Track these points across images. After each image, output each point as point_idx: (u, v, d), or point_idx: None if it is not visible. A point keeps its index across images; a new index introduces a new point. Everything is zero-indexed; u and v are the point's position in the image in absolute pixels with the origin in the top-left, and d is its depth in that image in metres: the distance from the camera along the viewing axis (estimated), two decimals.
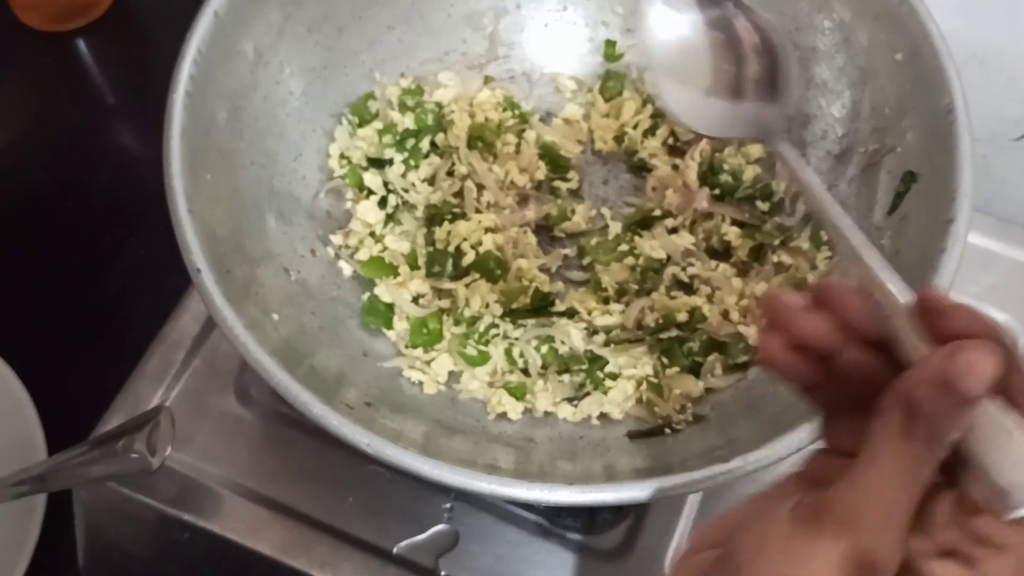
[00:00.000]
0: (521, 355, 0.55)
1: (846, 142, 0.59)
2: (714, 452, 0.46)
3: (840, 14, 0.58)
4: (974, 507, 0.29)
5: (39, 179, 0.77)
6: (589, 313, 0.57)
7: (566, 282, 0.59)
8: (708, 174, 0.61)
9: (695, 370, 0.55)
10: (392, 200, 0.60)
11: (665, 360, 0.55)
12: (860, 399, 0.32)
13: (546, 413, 0.54)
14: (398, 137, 0.61)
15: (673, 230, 0.60)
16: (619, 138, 0.63)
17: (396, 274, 0.58)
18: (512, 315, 0.56)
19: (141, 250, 0.72)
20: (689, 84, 0.45)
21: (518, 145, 0.62)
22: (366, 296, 0.57)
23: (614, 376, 0.55)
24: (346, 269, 0.58)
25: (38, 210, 0.75)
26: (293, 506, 0.54)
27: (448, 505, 0.55)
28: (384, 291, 0.57)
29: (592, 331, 0.56)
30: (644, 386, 0.54)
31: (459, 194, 0.60)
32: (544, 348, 0.56)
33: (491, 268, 0.57)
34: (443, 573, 0.53)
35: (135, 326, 0.63)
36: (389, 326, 0.56)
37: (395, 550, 0.53)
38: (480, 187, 0.60)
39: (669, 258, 0.59)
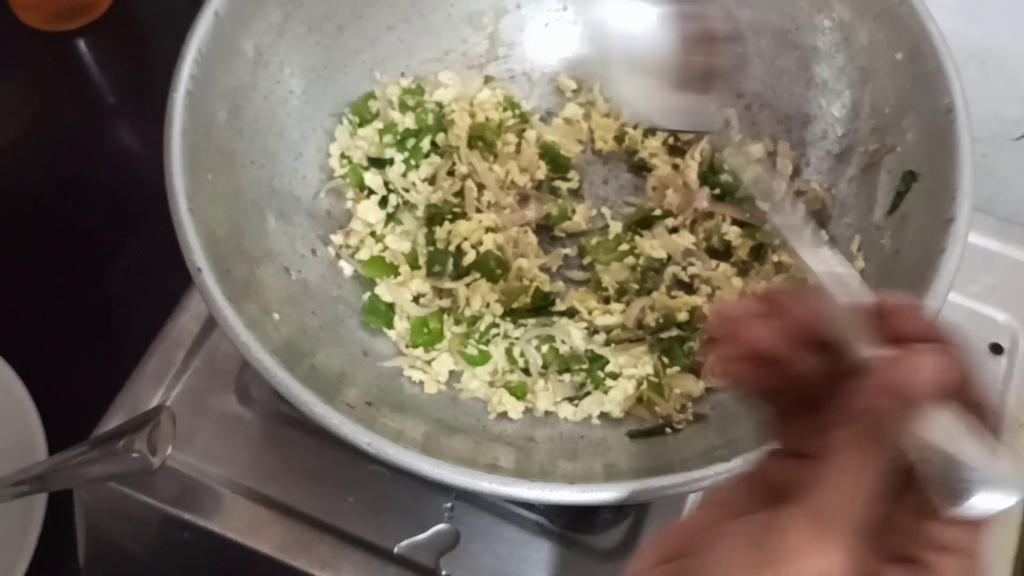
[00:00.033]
0: (522, 355, 0.55)
1: (846, 142, 0.59)
2: (714, 451, 0.46)
3: (840, 14, 0.58)
4: (928, 512, 0.29)
5: (39, 179, 0.77)
6: (590, 313, 0.57)
7: (566, 282, 0.59)
8: (708, 174, 0.61)
9: (696, 370, 0.55)
10: (393, 200, 0.60)
11: (666, 359, 0.55)
12: (810, 400, 0.31)
13: (547, 413, 0.54)
14: (399, 137, 0.61)
15: (673, 230, 0.60)
16: (619, 138, 0.63)
17: (397, 274, 0.58)
18: (513, 315, 0.56)
19: (141, 250, 0.72)
20: (653, 76, 0.44)
21: (518, 145, 0.62)
22: (367, 296, 0.57)
23: (615, 376, 0.55)
24: (347, 269, 0.58)
25: (38, 210, 0.75)
26: (294, 506, 0.54)
27: (449, 505, 0.55)
28: (385, 291, 0.57)
29: (593, 331, 0.56)
30: (645, 385, 0.54)
31: (460, 194, 0.60)
32: (545, 348, 0.56)
33: (492, 268, 0.57)
34: (444, 573, 0.53)
35: (135, 326, 0.63)
36: (390, 325, 0.56)
37: (396, 550, 0.53)
38: (480, 187, 0.60)
39: (669, 258, 0.59)
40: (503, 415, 0.54)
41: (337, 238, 0.58)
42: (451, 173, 0.61)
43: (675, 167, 0.62)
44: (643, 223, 0.60)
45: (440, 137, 0.62)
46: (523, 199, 0.61)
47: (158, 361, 0.59)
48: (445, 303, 0.57)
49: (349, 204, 0.59)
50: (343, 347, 0.54)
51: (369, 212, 0.59)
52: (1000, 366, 0.61)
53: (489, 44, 0.65)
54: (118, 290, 0.71)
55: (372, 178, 0.59)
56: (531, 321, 0.56)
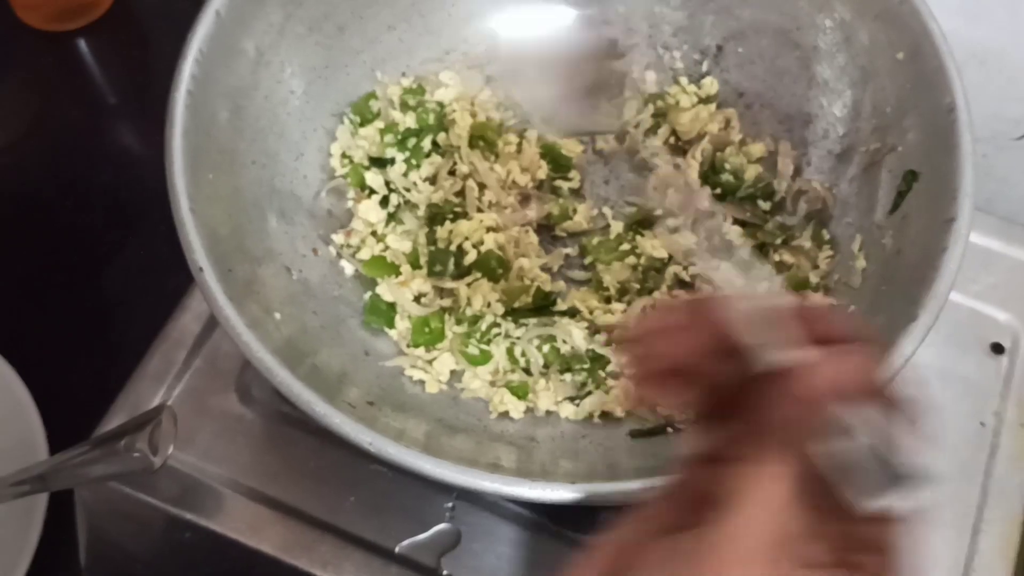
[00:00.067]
0: (523, 354, 0.55)
1: (847, 141, 0.59)
2: None
3: (841, 13, 0.58)
4: (846, 513, 0.29)
5: (40, 179, 0.77)
6: (591, 312, 0.57)
7: (568, 281, 0.59)
8: (710, 173, 0.61)
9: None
10: (394, 199, 0.60)
11: None
12: (729, 406, 0.31)
13: (548, 412, 0.54)
14: (400, 136, 0.61)
15: (675, 229, 0.60)
16: (620, 137, 0.63)
17: (398, 273, 0.58)
18: (514, 314, 0.56)
19: (142, 250, 0.72)
20: (551, 84, 0.44)
21: (519, 144, 0.62)
22: (368, 295, 0.57)
23: (616, 375, 0.55)
24: (348, 268, 0.58)
25: (39, 210, 0.75)
26: (295, 505, 0.54)
27: (450, 504, 0.55)
28: (386, 290, 0.57)
29: (594, 330, 0.56)
30: None
31: (461, 193, 0.60)
32: (546, 347, 0.56)
33: (493, 267, 0.57)
34: (445, 572, 0.53)
35: (136, 326, 0.63)
36: (391, 325, 0.56)
37: (397, 549, 0.53)
38: (482, 186, 0.60)
39: (671, 257, 0.59)
40: (504, 415, 0.54)
41: (338, 238, 0.58)
42: (452, 173, 0.61)
43: (676, 167, 0.62)
44: (644, 223, 0.60)
45: (441, 137, 0.62)
46: (524, 199, 0.61)
47: (159, 361, 0.58)
48: (446, 303, 0.57)
49: (350, 204, 0.59)
50: (344, 347, 0.54)
51: (370, 212, 0.59)
52: (1001, 366, 0.61)
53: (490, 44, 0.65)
54: (119, 290, 0.71)
55: (373, 178, 0.59)
56: (532, 321, 0.56)
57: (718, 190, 0.60)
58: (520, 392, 0.54)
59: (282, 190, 0.56)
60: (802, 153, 0.61)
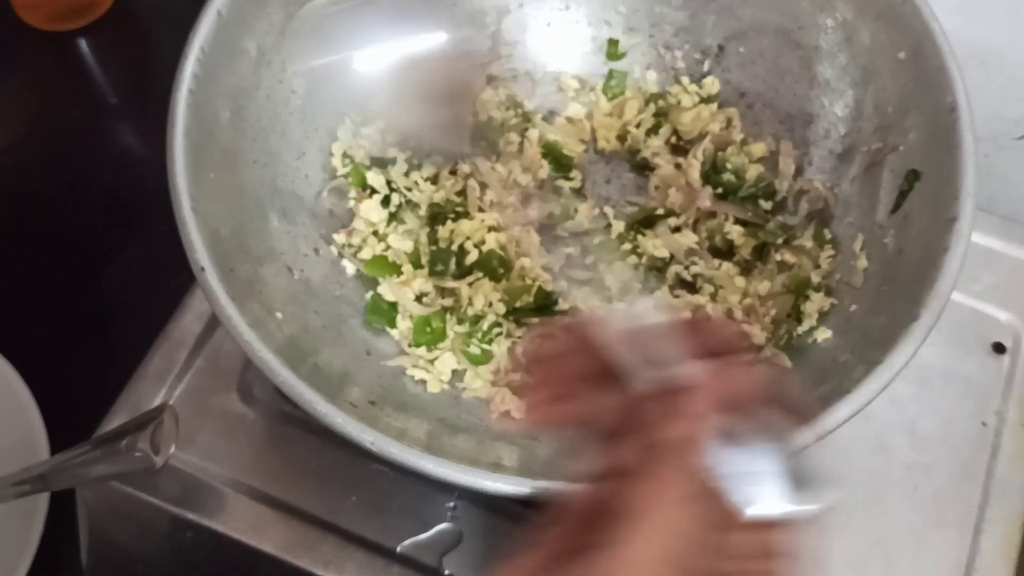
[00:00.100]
0: None
1: (849, 141, 0.59)
2: None
3: (842, 13, 0.58)
4: (735, 523, 0.30)
5: (40, 179, 0.77)
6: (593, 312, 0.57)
7: (569, 281, 0.59)
8: (711, 173, 0.61)
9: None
10: (395, 199, 0.60)
11: None
12: (619, 423, 0.32)
13: None
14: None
15: (676, 229, 0.60)
16: (622, 137, 0.64)
17: (399, 273, 0.58)
18: (515, 314, 0.56)
19: (143, 250, 0.72)
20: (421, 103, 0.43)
21: (521, 144, 0.62)
22: (369, 295, 0.57)
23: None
24: (349, 268, 0.58)
25: (40, 210, 0.75)
26: (296, 505, 0.54)
27: (452, 504, 0.55)
28: (387, 290, 0.57)
29: None
30: None
31: (462, 193, 0.60)
32: None
33: (494, 267, 0.57)
34: (447, 572, 0.53)
35: (137, 326, 0.63)
36: (392, 325, 0.56)
37: (399, 549, 0.53)
38: (483, 186, 0.60)
39: (672, 257, 0.59)
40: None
41: (340, 237, 0.58)
42: (453, 172, 0.61)
43: (678, 166, 0.62)
44: (646, 222, 0.60)
45: None
46: (526, 198, 0.61)
47: (160, 361, 0.58)
48: (448, 302, 0.57)
49: (351, 203, 0.59)
50: (346, 346, 0.54)
51: (371, 211, 0.59)
52: (1003, 365, 0.61)
53: (491, 43, 0.65)
54: (120, 290, 0.71)
55: (374, 177, 0.59)
56: (534, 320, 0.56)
57: (719, 190, 0.60)
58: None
59: (284, 189, 0.56)
60: (803, 153, 0.61)
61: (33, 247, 0.73)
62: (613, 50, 0.65)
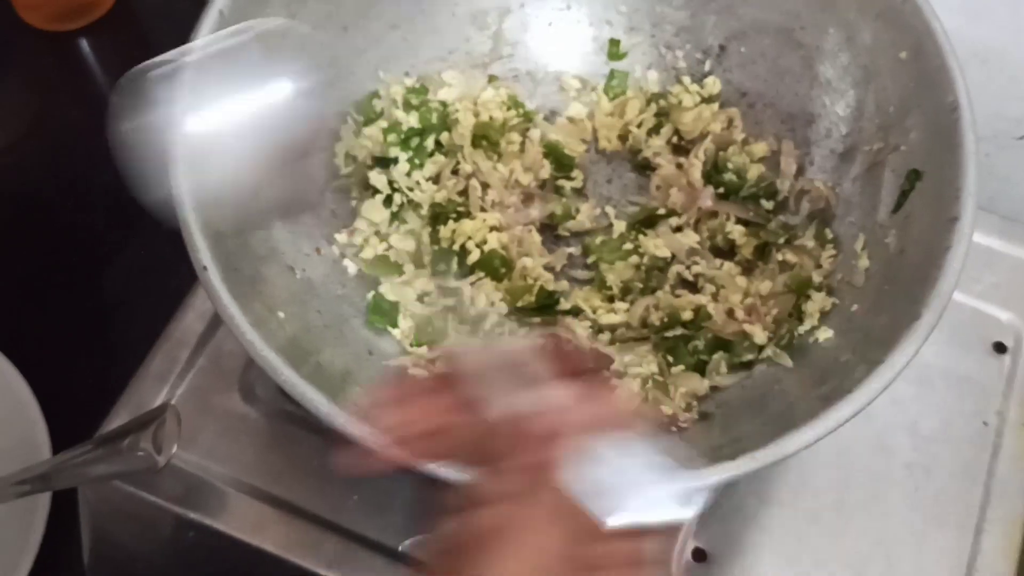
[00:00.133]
0: None
1: (850, 141, 0.59)
2: (720, 450, 0.46)
3: (844, 12, 0.58)
4: (608, 534, 0.31)
5: (41, 179, 0.77)
6: (594, 312, 0.57)
7: (571, 281, 0.59)
8: (712, 173, 0.61)
9: (700, 368, 0.55)
10: (397, 199, 0.60)
11: (670, 358, 0.55)
12: (484, 453, 0.34)
13: None
14: (403, 136, 0.61)
15: (677, 229, 0.60)
16: (623, 137, 0.64)
17: (401, 272, 0.58)
18: (517, 313, 0.56)
19: (143, 249, 0.72)
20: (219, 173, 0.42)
21: (522, 144, 0.62)
22: (371, 294, 0.57)
23: (619, 374, 0.55)
24: (351, 267, 0.58)
25: (40, 210, 0.75)
26: (298, 504, 0.54)
27: None
28: (389, 289, 0.57)
29: (597, 329, 0.56)
30: (649, 384, 0.54)
31: (464, 193, 0.60)
32: None
33: (496, 267, 0.57)
34: None
35: (138, 325, 0.63)
36: (394, 324, 0.56)
37: (400, 548, 0.53)
38: (485, 186, 0.60)
39: (674, 256, 0.59)
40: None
41: (341, 237, 0.58)
42: (455, 172, 0.61)
43: (679, 166, 0.62)
44: (647, 222, 0.60)
45: (444, 136, 0.62)
46: (527, 198, 0.61)
47: (162, 360, 0.58)
48: (449, 302, 0.57)
49: (353, 203, 0.59)
50: (348, 345, 0.54)
51: (373, 211, 0.59)
52: (1004, 365, 0.61)
53: (493, 43, 0.65)
54: (121, 290, 0.71)
55: (376, 177, 0.59)
56: (536, 320, 0.56)
57: (721, 189, 0.60)
58: None
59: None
60: (805, 152, 0.61)
61: (34, 247, 0.73)
62: (614, 50, 0.65)
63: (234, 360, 0.58)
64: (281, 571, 0.53)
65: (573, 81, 0.65)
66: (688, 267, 0.59)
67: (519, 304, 0.56)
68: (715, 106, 0.63)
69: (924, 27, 0.53)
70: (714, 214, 0.60)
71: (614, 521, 0.31)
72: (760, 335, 0.54)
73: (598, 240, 0.60)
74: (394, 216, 0.59)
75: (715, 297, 0.57)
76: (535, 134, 0.62)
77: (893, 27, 0.55)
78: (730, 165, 0.61)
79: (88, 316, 0.70)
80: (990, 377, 0.61)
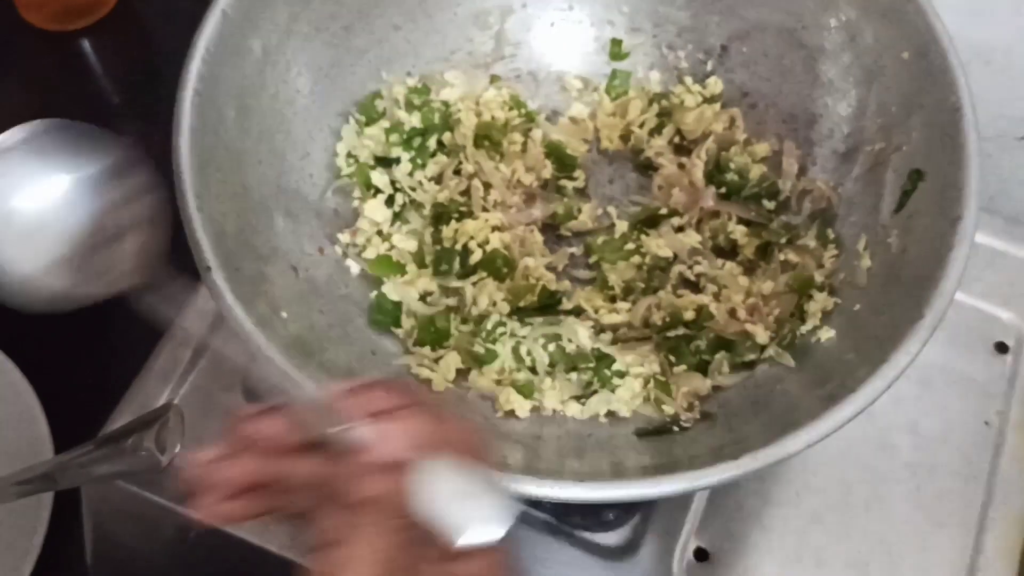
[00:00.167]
0: (528, 353, 0.55)
1: (852, 140, 0.59)
2: (722, 449, 0.46)
3: (846, 13, 0.58)
4: (452, 553, 0.33)
5: None
6: (596, 311, 0.57)
7: (573, 280, 0.59)
8: (714, 173, 0.61)
9: (702, 368, 0.55)
10: (399, 199, 0.60)
11: (672, 358, 0.55)
12: (316, 497, 0.34)
13: (554, 411, 0.54)
14: (405, 136, 0.61)
15: (679, 228, 0.60)
16: (625, 137, 0.64)
17: (403, 272, 0.58)
18: (519, 313, 0.56)
19: None
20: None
21: (524, 144, 0.62)
22: (373, 294, 0.57)
23: (621, 374, 0.55)
24: (354, 267, 0.58)
25: None
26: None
27: None
28: (391, 289, 0.57)
29: (599, 329, 0.56)
30: (652, 384, 0.54)
31: (466, 192, 0.60)
32: (551, 346, 0.56)
33: (498, 266, 0.57)
34: None
35: (141, 325, 0.63)
36: (397, 324, 0.56)
37: None
38: (487, 186, 0.60)
39: (676, 256, 0.59)
40: (510, 413, 0.54)
41: (344, 237, 0.58)
42: (457, 172, 0.61)
43: (681, 166, 0.62)
44: (649, 222, 0.60)
45: (446, 136, 0.62)
46: (529, 198, 0.61)
47: (165, 360, 0.59)
48: (452, 302, 0.57)
49: (356, 203, 0.60)
50: (351, 345, 0.54)
51: (376, 211, 0.59)
52: (1006, 365, 0.62)
53: (495, 43, 0.65)
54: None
55: (379, 177, 0.60)
56: (538, 320, 0.56)
57: (723, 189, 0.60)
58: (526, 391, 0.54)
59: (288, 189, 0.56)
60: (807, 152, 0.61)
61: None
62: (616, 50, 0.65)
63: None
64: (283, 571, 0.53)
65: (575, 81, 0.65)
66: (690, 267, 0.59)
67: (521, 304, 0.56)
68: (717, 106, 0.63)
69: (926, 27, 0.53)
70: (716, 214, 0.60)
71: (461, 540, 0.32)
72: (762, 335, 0.54)
73: (600, 240, 0.60)
74: (396, 216, 0.60)
75: (717, 297, 0.57)
76: (537, 134, 0.62)
77: (895, 27, 0.55)
78: (732, 165, 0.61)
79: (90, 315, 0.69)
80: (992, 377, 0.61)
